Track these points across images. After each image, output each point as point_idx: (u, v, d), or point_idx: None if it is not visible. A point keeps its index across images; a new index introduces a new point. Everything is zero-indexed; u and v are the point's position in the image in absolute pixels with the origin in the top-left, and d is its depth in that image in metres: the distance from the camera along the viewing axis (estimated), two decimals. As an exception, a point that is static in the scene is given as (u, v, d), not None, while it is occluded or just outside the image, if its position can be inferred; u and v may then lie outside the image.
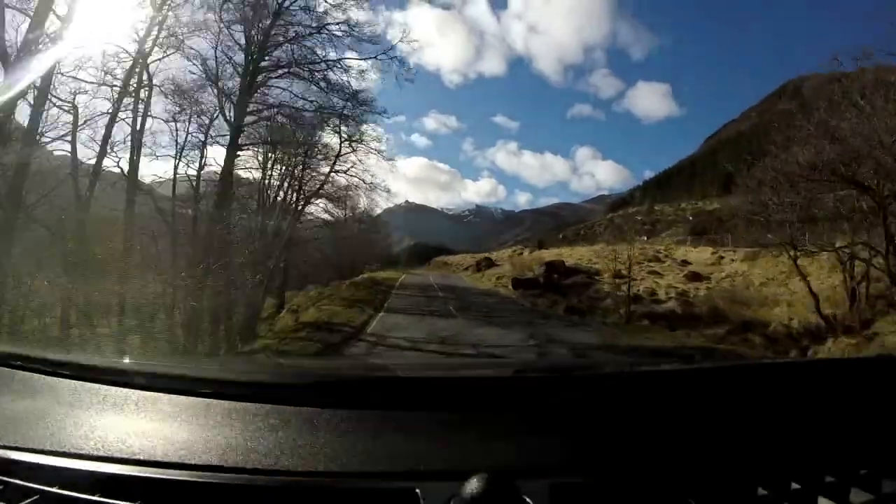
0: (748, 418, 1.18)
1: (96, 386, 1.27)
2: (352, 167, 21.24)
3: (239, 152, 18.16)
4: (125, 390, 1.25)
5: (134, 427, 1.08)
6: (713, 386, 1.40)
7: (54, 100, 14.46)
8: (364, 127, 20.65)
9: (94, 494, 0.91)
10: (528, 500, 0.84)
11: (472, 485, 0.82)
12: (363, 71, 19.63)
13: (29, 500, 0.92)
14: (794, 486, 0.92)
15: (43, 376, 1.34)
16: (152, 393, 1.22)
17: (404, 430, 1.07)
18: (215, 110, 17.57)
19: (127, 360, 1.52)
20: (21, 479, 0.95)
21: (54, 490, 0.93)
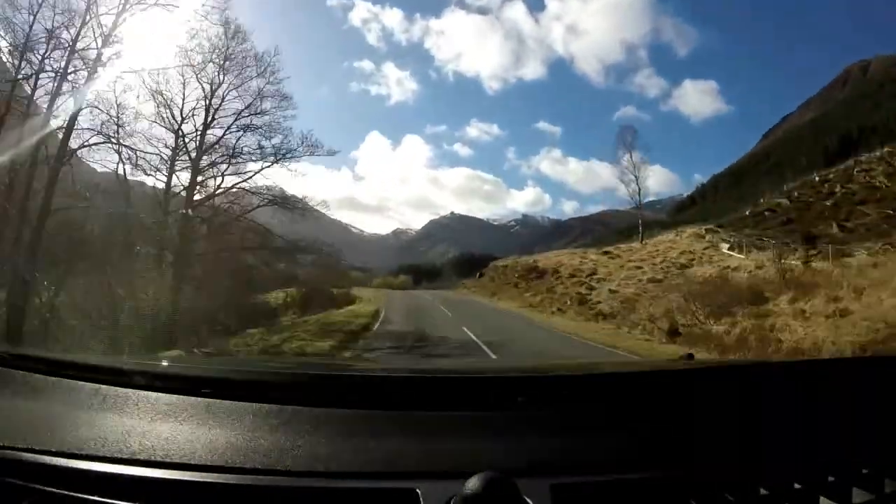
0: (749, 418, 1.18)
1: (96, 386, 1.26)
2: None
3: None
4: (125, 390, 1.24)
5: (134, 427, 1.08)
6: (714, 386, 1.41)
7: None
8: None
9: (94, 494, 0.91)
10: (528, 500, 0.85)
11: (472, 485, 0.83)
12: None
13: (29, 500, 0.92)
14: (796, 485, 0.92)
15: (43, 376, 1.33)
16: (152, 393, 1.22)
17: (404, 430, 1.08)
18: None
19: (127, 360, 1.50)
20: (21, 479, 0.95)
21: (54, 490, 0.93)
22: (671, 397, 1.31)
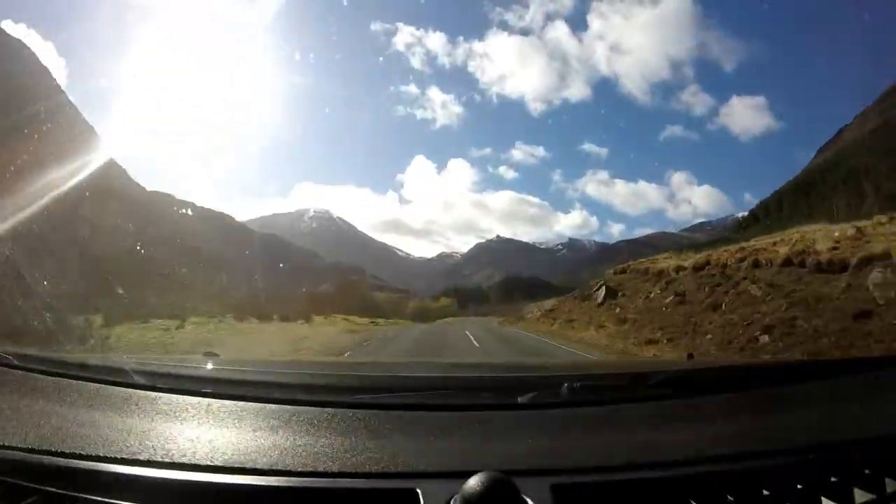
0: (749, 418, 1.19)
1: (96, 386, 1.28)
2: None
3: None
4: (125, 390, 1.25)
5: (134, 427, 1.08)
6: (714, 386, 1.42)
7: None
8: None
9: (94, 494, 0.91)
10: (528, 500, 0.85)
11: (472, 485, 0.82)
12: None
13: (29, 500, 0.92)
14: (798, 486, 0.93)
15: (43, 376, 1.34)
16: (152, 393, 1.23)
17: (404, 430, 1.08)
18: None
19: (127, 360, 1.49)
20: (21, 480, 0.95)
21: (54, 490, 0.93)
22: (671, 397, 1.31)
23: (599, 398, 1.30)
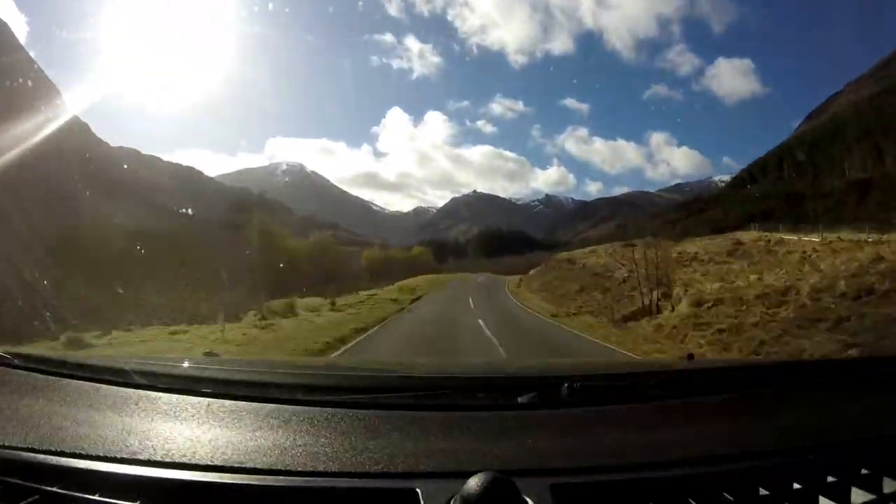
0: (749, 418, 1.19)
1: (96, 386, 1.27)
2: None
3: None
4: (125, 390, 1.25)
5: (134, 427, 1.08)
6: (714, 386, 1.42)
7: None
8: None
9: (94, 494, 0.91)
10: (528, 500, 0.85)
11: (472, 485, 0.83)
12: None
13: (29, 500, 0.92)
14: (796, 486, 0.93)
15: (43, 376, 1.33)
16: (152, 392, 1.23)
17: (404, 430, 1.08)
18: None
19: (127, 360, 1.49)
20: (21, 479, 0.95)
21: (54, 490, 0.93)
22: (671, 397, 1.31)
23: (599, 398, 1.29)
